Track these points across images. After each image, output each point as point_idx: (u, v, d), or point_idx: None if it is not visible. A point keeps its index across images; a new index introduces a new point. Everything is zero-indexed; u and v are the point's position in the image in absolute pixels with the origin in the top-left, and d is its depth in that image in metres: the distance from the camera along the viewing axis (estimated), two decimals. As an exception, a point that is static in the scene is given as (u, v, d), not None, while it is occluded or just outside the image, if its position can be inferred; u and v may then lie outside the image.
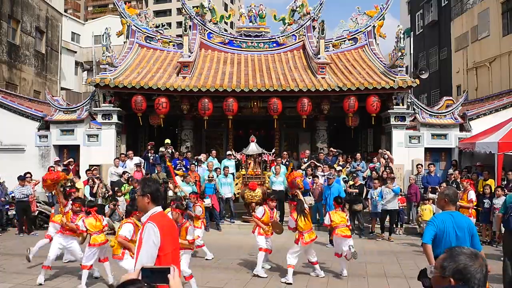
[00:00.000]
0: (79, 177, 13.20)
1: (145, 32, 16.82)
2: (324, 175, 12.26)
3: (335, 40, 17.03)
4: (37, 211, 12.35)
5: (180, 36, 17.04)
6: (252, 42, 17.26)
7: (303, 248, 7.52)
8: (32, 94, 22.48)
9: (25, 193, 11.85)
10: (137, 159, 13.55)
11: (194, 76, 14.54)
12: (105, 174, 13.28)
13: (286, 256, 7.50)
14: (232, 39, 17.47)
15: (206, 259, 8.75)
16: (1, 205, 12.10)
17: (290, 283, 7.23)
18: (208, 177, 12.48)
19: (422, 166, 13.07)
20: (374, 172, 12.65)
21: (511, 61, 19.81)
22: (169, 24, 43.86)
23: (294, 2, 17.33)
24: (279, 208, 12.25)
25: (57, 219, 7.78)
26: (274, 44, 17.31)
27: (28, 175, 12.24)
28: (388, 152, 13.34)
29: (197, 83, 13.80)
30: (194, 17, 17.18)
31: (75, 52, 31.79)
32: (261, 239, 7.87)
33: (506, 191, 10.17)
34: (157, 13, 51.19)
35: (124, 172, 12.54)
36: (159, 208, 3.27)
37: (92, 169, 13.04)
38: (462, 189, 10.48)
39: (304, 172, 12.79)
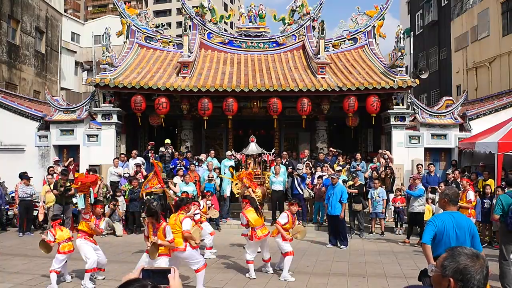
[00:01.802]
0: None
1: (145, 32, 16.82)
2: (323, 175, 12.25)
3: (335, 40, 17.03)
4: (37, 211, 12.34)
5: (180, 36, 17.04)
6: (252, 42, 17.26)
7: (257, 243, 7.75)
8: (32, 94, 22.48)
9: (29, 193, 11.86)
10: (139, 160, 13.56)
11: (194, 76, 14.55)
12: (105, 174, 13.28)
13: (245, 254, 7.76)
14: (232, 39, 17.47)
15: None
16: (1, 205, 12.10)
17: (254, 278, 7.48)
18: (208, 177, 12.48)
19: (422, 166, 13.05)
20: (374, 172, 12.66)
21: (511, 61, 19.82)
22: (169, 24, 43.84)
23: (294, 2, 17.33)
24: (279, 208, 12.27)
25: (83, 227, 7.29)
26: (274, 44, 17.31)
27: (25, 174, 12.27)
28: (388, 152, 13.34)
29: (197, 83, 13.80)
30: (194, 17, 17.18)
31: (75, 52, 31.82)
32: (287, 244, 7.74)
33: (506, 191, 10.16)
34: (157, 13, 51.24)
35: (134, 178, 12.43)
36: None
37: (90, 169, 13.05)
38: (462, 189, 10.47)
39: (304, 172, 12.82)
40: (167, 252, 6.55)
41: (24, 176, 11.94)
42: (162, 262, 6.43)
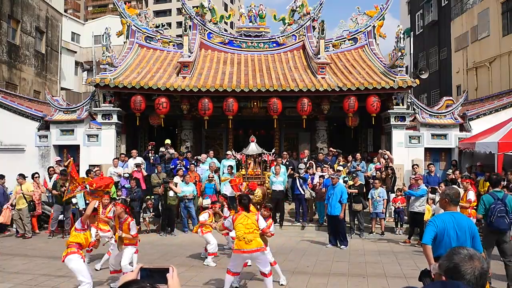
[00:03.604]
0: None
1: (145, 32, 16.81)
2: (323, 175, 12.23)
3: (335, 40, 17.02)
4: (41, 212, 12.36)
5: (180, 36, 17.03)
6: (252, 42, 17.26)
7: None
8: (32, 94, 22.47)
9: (25, 193, 11.85)
10: (139, 159, 13.55)
11: (194, 76, 14.54)
12: (105, 174, 13.25)
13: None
14: (232, 39, 17.47)
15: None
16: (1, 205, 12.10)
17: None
18: (208, 177, 12.48)
19: (418, 166, 12.87)
20: (378, 172, 12.65)
21: (511, 61, 19.81)
22: (169, 24, 43.83)
23: (294, 2, 17.33)
24: (279, 208, 12.27)
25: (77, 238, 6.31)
26: (274, 44, 17.30)
27: (36, 175, 12.30)
28: (388, 152, 13.33)
29: (197, 83, 13.79)
30: (194, 17, 17.18)
31: (75, 52, 31.80)
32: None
33: (506, 191, 10.17)
34: (157, 13, 51.20)
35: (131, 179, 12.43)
36: None
37: (94, 170, 13.06)
38: (462, 189, 10.45)
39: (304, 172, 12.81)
40: (133, 242, 6.93)
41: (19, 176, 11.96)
42: (128, 251, 6.83)
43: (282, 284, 7.17)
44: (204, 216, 8.90)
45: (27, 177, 12.15)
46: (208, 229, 8.75)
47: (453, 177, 11.88)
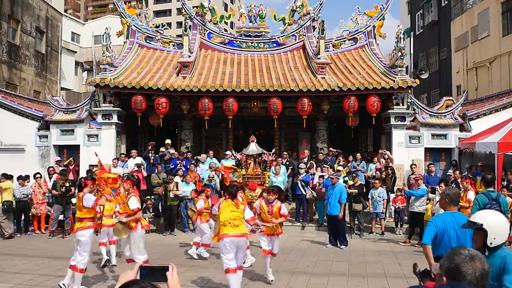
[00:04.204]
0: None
1: (145, 32, 16.81)
2: (323, 175, 12.23)
3: (335, 40, 17.02)
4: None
5: (180, 36, 17.04)
6: (252, 42, 17.26)
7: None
8: (32, 94, 22.47)
9: (25, 193, 11.85)
10: (139, 159, 13.55)
11: (194, 76, 14.54)
12: (105, 174, 13.27)
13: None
14: (232, 39, 17.47)
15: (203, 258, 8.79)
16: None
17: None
18: (209, 177, 12.47)
19: (416, 166, 12.85)
20: (378, 172, 12.64)
21: (511, 61, 19.81)
22: (169, 24, 43.79)
23: (294, 2, 17.33)
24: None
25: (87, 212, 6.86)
26: (274, 44, 17.30)
27: (38, 175, 12.29)
28: (388, 152, 13.32)
29: (197, 83, 13.79)
30: (194, 17, 17.18)
31: (75, 52, 31.80)
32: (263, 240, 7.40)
33: (506, 191, 10.20)
34: (157, 13, 51.18)
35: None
36: None
37: (94, 170, 13.05)
38: (462, 189, 10.45)
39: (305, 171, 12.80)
40: (133, 225, 6.90)
41: (20, 176, 11.98)
42: (137, 240, 6.84)
43: (272, 280, 7.23)
44: (200, 203, 8.93)
45: (27, 175, 12.16)
46: (206, 217, 8.85)
47: (453, 178, 11.84)
